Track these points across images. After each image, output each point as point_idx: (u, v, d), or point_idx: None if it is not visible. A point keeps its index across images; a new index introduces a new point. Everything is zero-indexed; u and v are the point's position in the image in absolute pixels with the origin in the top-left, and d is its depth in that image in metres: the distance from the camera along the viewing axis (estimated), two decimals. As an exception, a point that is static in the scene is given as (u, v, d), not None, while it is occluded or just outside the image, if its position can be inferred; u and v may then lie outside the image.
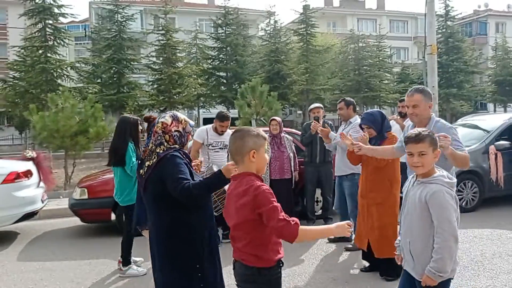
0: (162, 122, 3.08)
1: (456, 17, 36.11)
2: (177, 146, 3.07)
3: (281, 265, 2.45)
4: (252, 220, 2.33)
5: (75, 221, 7.28)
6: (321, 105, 6.71)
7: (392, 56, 38.62)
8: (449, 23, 34.47)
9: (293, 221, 2.27)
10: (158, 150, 2.99)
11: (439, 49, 31.46)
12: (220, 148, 6.20)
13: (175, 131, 3.08)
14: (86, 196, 6.72)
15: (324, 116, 6.73)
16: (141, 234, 3.85)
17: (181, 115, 3.20)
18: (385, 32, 36.89)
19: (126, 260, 5.08)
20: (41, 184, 7.16)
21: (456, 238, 2.53)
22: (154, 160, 2.96)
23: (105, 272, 5.19)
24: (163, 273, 2.93)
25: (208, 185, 2.86)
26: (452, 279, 2.64)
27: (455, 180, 2.61)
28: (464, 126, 9.63)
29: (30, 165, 6.91)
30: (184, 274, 2.87)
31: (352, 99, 6.12)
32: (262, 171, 2.49)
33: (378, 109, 5.04)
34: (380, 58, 34.16)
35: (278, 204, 2.31)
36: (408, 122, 6.51)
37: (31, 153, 7.18)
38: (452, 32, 34.16)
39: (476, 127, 9.15)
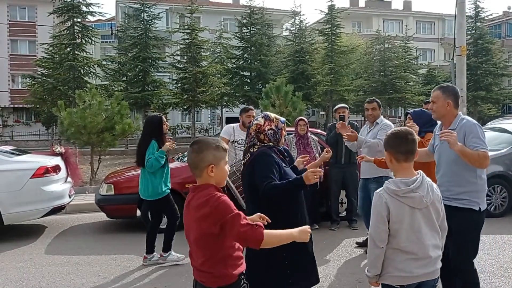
0: (255, 124, 3.32)
1: (485, 18, 35.39)
2: (271, 143, 3.29)
3: (243, 277, 2.35)
4: (212, 234, 2.21)
5: (101, 216, 7.38)
6: (347, 106, 6.65)
7: (418, 57, 38.06)
8: (478, 24, 33.79)
9: (256, 225, 2.21)
10: (251, 150, 3.26)
11: (468, 51, 30.91)
12: None
13: (269, 129, 3.30)
14: (112, 192, 6.82)
15: (348, 117, 6.66)
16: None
17: (272, 114, 3.43)
18: (411, 33, 36.36)
19: (150, 249, 5.34)
20: (69, 179, 7.29)
21: (373, 240, 2.53)
22: (248, 158, 3.24)
23: (130, 268, 5.25)
24: None
25: (286, 189, 3.07)
26: (394, 287, 2.55)
27: (403, 188, 2.49)
28: (493, 130, 9.42)
29: (58, 160, 7.03)
30: (273, 261, 3.06)
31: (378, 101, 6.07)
32: (221, 183, 2.39)
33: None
34: (406, 60, 33.67)
35: (241, 212, 2.23)
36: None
37: (59, 149, 7.32)
38: (481, 34, 33.47)
39: (505, 131, 8.95)
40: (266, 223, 2.52)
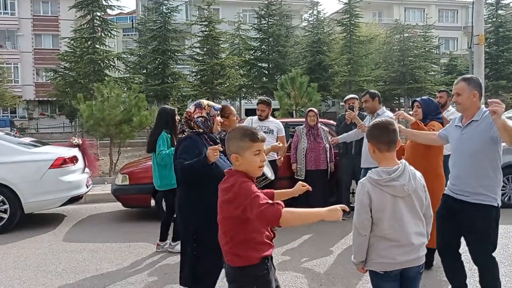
0: (186, 111, 3.42)
1: (509, 5, 34.58)
2: (201, 130, 3.41)
3: (267, 261, 2.41)
4: (235, 217, 2.31)
5: (118, 205, 7.58)
6: (356, 96, 6.71)
7: (440, 46, 37.45)
8: (500, 12, 33.04)
9: (276, 203, 2.22)
10: (180, 137, 3.43)
11: (488, 39, 30.33)
12: (264, 132, 6.35)
13: (198, 117, 3.40)
14: (127, 182, 7.00)
15: (359, 109, 6.71)
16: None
17: (206, 101, 3.47)
18: (432, 21, 35.79)
19: (163, 236, 5.51)
20: (86, 169, 7.51)
21: (356, 228, 2.60)
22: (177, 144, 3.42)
23: (142, 255, 5.43)
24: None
25: (192, 166, 3.18)
26: (378, 273, 2.63)
27: (385, 177, 2.54)
28: (511, 119, 9.29)
29: (76, 152, 7.26)
30: (185, 242, 3.36)
31: (376, 92, 6.12)
32: (251, 173, 2.42)
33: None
34: (427, 49, 33.21)
35: (260, 194, 2.28)
36: (448, 113, 6.41)
37: (77, 140, 7.55)
38: (503, 22, 32.74)
39: (523, 120, 8.81)
40: (309, 189, 2.74)
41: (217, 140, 3.47)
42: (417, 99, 4.84)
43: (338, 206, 2.26)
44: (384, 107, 6.06)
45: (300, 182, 2.90)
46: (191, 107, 3.43)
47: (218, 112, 3.48)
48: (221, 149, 3.12)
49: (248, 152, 2.37)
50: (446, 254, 3.69)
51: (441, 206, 3.64)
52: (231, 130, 2.52)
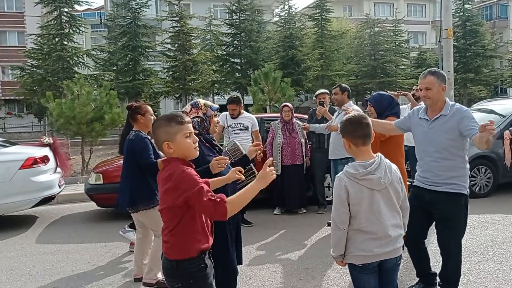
0: (182, 111, 3.26)
1: (475, 0, 35.43)
2: (196, 131, 3.11)
3: (203, 256, 2.36)
4: (177, 206, 2.26)
5: (92, 205, 7.44)
6: (327, 91, 6.81)
7: (409, 41, 38.09)
8: (467, 6, 33.84)
9: (219, 198, 2.21)
10: None
11: (456, 33, 30.98)
12: (239, 130, 6.48)
13: (194, 117, 3.30)
14: (101, 181, 6.88)
15: (330, 103, 6.78)
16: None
17: (203, 101, 3.39)
18: (402, 16, 36.38)
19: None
20: (58, 169, 7.34)
21: (335, 222, 2.63)
22: None
23: (118, 254, 5.36)
24: None
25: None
26: (356, 265, 2.67)
27: (361, 171, 2.57)
28: (480, 111, 9.53)
29: (47, 151, 7.07)
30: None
31: (347, 86, 6.28)
32: (189, 156, 2.39)
33: (391, 95, 5.00)
34: (397, 43, 33.75)
35: (204, 185, 2.25)
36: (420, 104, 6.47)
37: (47, 139, 7.35)
38: (469, 16, 33.56)
39: (491, 111, 9.06)
40: (242, 178, 2.73)
41: (214, 141, 3.39)
42: (368, 98, 4.92)
43: (264, 169, 2.30)
44: (351, 102, 6.25)
45: (234, 168, 2.84)
46: (187, 107, 3.36)
47: (215, 113, 3.40)
48: (229, 162, 3.04)
49: (179, 136, 2.33)
50: (413, 243, 3.79)
51: (411, 197, 3.64)
52: (155, 120, 2.45)
